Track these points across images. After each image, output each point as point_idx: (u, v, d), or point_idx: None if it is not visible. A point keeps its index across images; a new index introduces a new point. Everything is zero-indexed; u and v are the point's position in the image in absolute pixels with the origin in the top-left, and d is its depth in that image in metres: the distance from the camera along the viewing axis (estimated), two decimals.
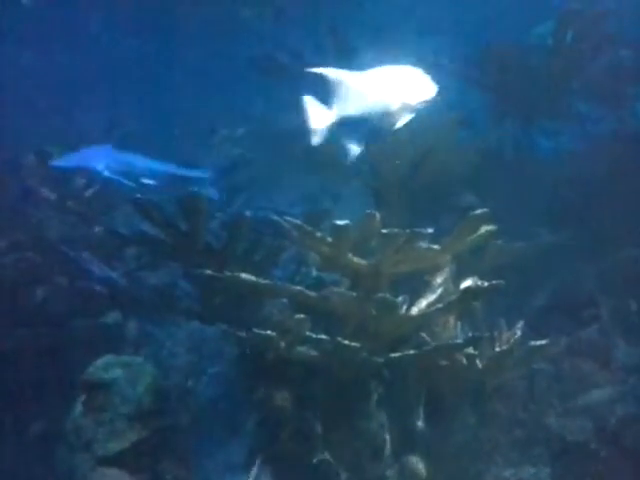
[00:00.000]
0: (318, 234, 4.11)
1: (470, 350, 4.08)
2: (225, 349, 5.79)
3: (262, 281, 4.09)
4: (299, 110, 4.19)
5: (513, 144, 6.17)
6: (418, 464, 4.17)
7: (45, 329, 5.68)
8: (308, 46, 7.49)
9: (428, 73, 3.78)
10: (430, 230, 4.39)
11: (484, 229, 4.47)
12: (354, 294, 3.99)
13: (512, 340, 4.28)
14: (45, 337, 5.65)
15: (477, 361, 4.15)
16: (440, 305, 4.11)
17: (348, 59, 7.06)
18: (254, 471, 4.34)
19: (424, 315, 4.11)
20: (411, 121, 4.38)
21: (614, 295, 5.94)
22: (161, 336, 6.35)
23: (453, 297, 4.11)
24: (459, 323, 4.41)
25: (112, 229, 5.60)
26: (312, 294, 4.01)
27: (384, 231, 4.11)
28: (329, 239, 4.08)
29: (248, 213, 4.64)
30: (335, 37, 7.06)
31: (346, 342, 3.79)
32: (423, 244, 4.19)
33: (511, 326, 4.46)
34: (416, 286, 4.31)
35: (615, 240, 6.01)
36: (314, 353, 4.00)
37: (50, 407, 5.27)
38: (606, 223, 5.93)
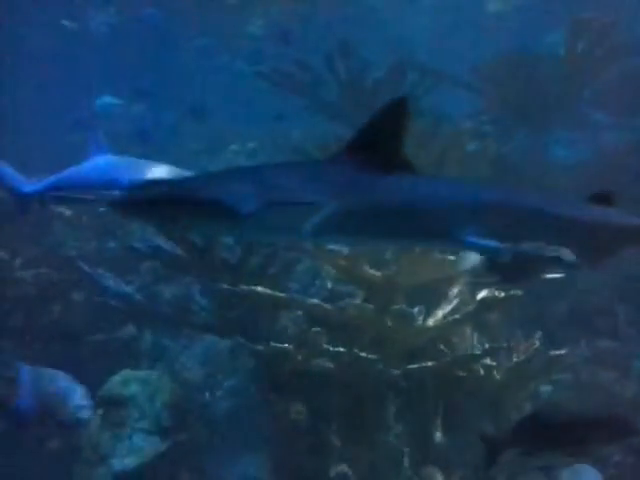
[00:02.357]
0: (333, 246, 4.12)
1: (488, 361, 4.05)
2: (240, 362, 5.80)
3: (278, 294, 4.10)
4: None
5: (527, 154, 6.16)
6: (436, 476, 4.14)
7: (62, 344, 5.71)
8: (317, 59, 7.54)
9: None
10: None
11: None
12: (370, 306, 3.98)
13: (530, 350, 4.25)
14: (62, 352, 5.68)
15: (495, 372, 4.13)
16: (457, 316, 4.10)
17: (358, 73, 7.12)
18: None
19: (441, 326, 4.09)
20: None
21: (632, 303, 5.89)
22: (176, 350, 6.36)
23: (469, 308, 4.10)
24: (476, 334, 4.39)
25: (128, 244, 5.63)
26: (328, 306, 4.01)
27: None
28: (344, 252, 4.09)
29: None
30: (345, 51, 7.11)
31: (363, 354, 3.79)
32: (438, 255, 4.19)
33: (529, 336, 4.43)
34: (432, 297, 4.30)
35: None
36: (331, 365, 3.99)
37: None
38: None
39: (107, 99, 14.00)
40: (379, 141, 2.53)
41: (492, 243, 2.60)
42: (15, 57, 16.68)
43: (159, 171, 4.65)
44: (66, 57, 17.03)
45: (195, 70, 17.72)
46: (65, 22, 15.64)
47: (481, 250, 2.69)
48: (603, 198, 2.81)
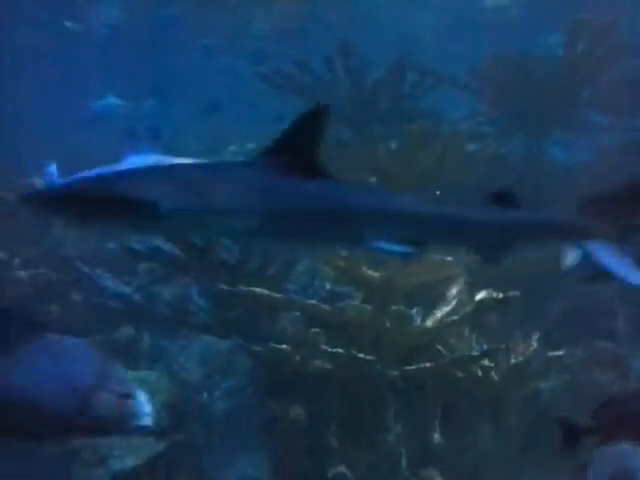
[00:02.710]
0: None
1: (486, 362, 4.05)
2: (239, 363, 5.79)
3: (276, 295, 4.10)
4: None
5: (525, 155, 6.17)
6: (435, 477, 4.14)
7: None
8: (316, 60, 7.54)
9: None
10: None
11: None
12: (369, 307, 3.99)
13: (528, 351, 4.25)
14: None
15: (493, 373, 4.13)
16: (455, 317, 4.10)
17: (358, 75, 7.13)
18: None
19: (439, 327, 4.10)
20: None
21: (631, 304, 5.89)
22: (175, 350, 6.35)
23: (468, 309, 4.11)
24: (474, 335, 4.39)
25: (126, 245, 5.63)
26: (326, 307, 4.01)
27: None
28: (343, 252, 4.10)
29: None
30: (345, 52, 7.11)
31: (361, 355, 3.79)
32: (436, 256, 4.20)
33: (527, 337, 4.43)
34: (430, 298, 4.30)
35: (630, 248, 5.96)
36: (329, 366, 3.99)
37: None
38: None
39: (111, 99, 14.00)
40: (297, 146, 2.61)
41: (402, 248, 2.71)
42: (15, 57, 16.68)
43: None
44: (68, 57, 17.03)
45: (200, 70, 17.74)
46: (68, 23, 15.66)
47: (391, 254, 2.82)
48: (505, 197, 2.91)
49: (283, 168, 2.59)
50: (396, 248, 2.67)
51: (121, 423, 3.07)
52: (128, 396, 3.02)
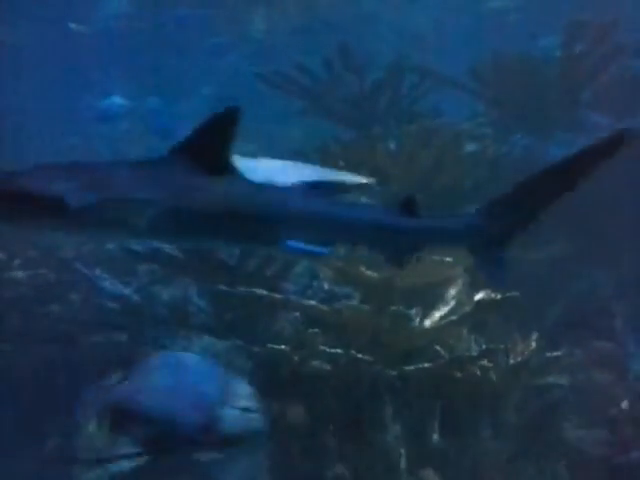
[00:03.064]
0: None
1: (484, 362, 4.05)
2: (238, 364, 5.79)
3: (275, 295, 4.11)
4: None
5: (524, 155, 6.17)
6: (434, 477, 4.14)
7: (59, 346, 5.70)
8: (316, 62, 7.55)
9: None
10: None
11: None
12: (367, 307, 3.99)
13: (527, 352, 4.26)
14: (59, 354, 5.67)
15: (491, 373, 4.13)
16: (453, 317, 4.11)
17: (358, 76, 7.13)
18: None
19: (437, 327, 4.10)
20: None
21: (629, 305, 5.90)
22: (174, 351, 6.35)
23: (466, 309, 4.11)
24: (473, 335, 4.40)
25: (125, 245, 5.63)
26: (325, 308, 4.02)
27: None
28: (341, 253, 4.10)
29: None
30: (344, 54, 7.12)
31: (359, 355, 3.79)
32: (435, 256, 4.20)
33: (526, 338, 4.43)
34: (429, 298, 4.31)
35: (629, 249, 5.98)
36: (328, 367, 3.99)
37: (64, 424, 5.28)
38: (619, 233, 5.90)
39: (115, 99, 13.99)
40: (208, 145, 2.66)
41: (315, 248, 2.78)
42: (16, 57, 16.69)
43: (302, 172, 4.28)
44: (71, 57, 17.02)
45: (205, 69, 17.71)
46: (72, 25, 15.66)
47: (304, 254, 2.87)
48: (409, 204, 3.02)
49: (192, 166, 2.62)
50: (309, 248, 2.72)
51: (245, 437, 3.08)
52: (251, 410, 3.00)
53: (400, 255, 3.10)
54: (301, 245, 2.73)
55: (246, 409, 2.96)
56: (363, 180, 4.08)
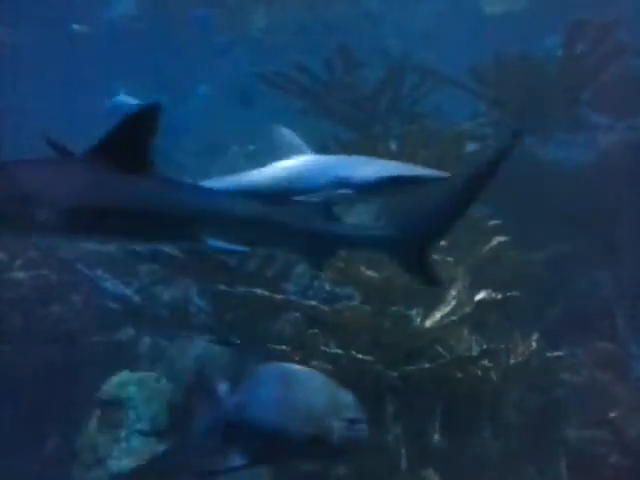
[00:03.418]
0: None
1: (485, 362, 4.05)
2: (239, 364, 5.79)
3: (276, 296, 4.10)
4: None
5: (525, 155, 6.15)
6: (434, 477, 4.13)
7: (60, 346, 5.71)
8: (315, 62, 7.55)
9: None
10: (442, 242, 4.40)
11: (496, 240, 4.48)
12: (367, 308, 3.99)
13: (527, 352, 4.25)
14: (60, 354, 5.68)
15: (492, 373, 4.12)
16: (454, 317, 4.10)
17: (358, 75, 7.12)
18: None
19: (438, 327, 4.10)
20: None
21: (630, 305, 5.89)
22: (174, 352, 6.35)
23: (467, 309, 4.11)
24: (474, 335, 4.39)
25: (126, 246, 5.63)
26: (325, 308, 4.01)
27: None
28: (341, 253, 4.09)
29: None
30: (343, 54, 7.11)
31: (360, 356, 3.79)
32: (435, 256, 4.19)
33: (526, 338, 4.43)
34: (430, 298, 4.30)
35: (630, 248, 5.97)
36: (328, 367, 3.99)
37: (65, 424, 5.29)
38: (620, 232, 5.89)
39: (123, 98, 13.99)
40: (127, 144, 2.63)
41: (234, 247, 2.78)
42: (17, 57, 16.70)
43: (378, 166, 4.17)
44: (73, 58, 17.03)
45: (208, 68, 17.71)
46: (75, 26, 15.67)
47: (223, 252, 2.89)
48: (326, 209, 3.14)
49: (110, 165, 2.59)
50: (228, 246, 2.74)
51: (352, 447, 3.07)
52: (359, 421, 3.03)
53: (320, 258, 3.19)
54: (220, 244, 2.75)
55: (353, 420, 2.96)
56: (439, 174, 4.02)
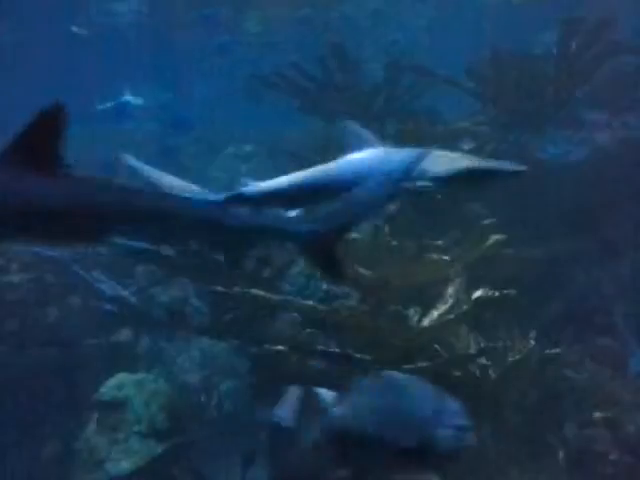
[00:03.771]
0: None
1: (483, 360, 4.05)
2: (237, 364, 5.79)
3: (272, 296, 4.09)
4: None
5: (520, 153, 6.16)
6: (433, 477, 4.13)
7: (58, 348, 5.70)
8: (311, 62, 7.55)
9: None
10: (439, 241, 4.40)
11: (493, 239, 4.47)
12: (365, 307, 3.98)
13: (525, 349, 4.25)
14: (58, 356, 5.67)
15: (490, 371, 4.12)
16: (452, 316, 4.09)
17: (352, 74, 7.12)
18: None
19: (436, 326, 4.09)
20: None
21: (629, 302, 5.89)
22: (173, 353, 6.35)
23: (465, 307, 4.10)
24: (471, 334, 4.39)
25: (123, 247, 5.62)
26: (323, 308, 4.00)
27: (393, 243, 4.12)
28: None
29: None
30: (339, 53, 7.11)
31: (357, 355, 3.78)
32: (433, 255, 4.19)
33: (525, 335, 4.43)
34: (427, 297, 4.30)
35: (627, 245, 5.97)
36: (325, 367, 3.99)
37: (64, 426, 5.28)
38: (616, 228, 5.90)
39: (129, 99, 13.98)
40: (36, 144, 2.64)
41: (139, 244, 2.81)
42: (18, 57, 16.71)
43: (453, 160, 4.05)
44: (75, 58, 17.02)
45: (211, 67, 17.74)
46: (74, 28, 15.67)
47: (129, 250, 2.89)
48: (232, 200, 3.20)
49: (21, 165, 2.60)
50: (133, 244, 2.74)
51: (458, 455, 3.08)
52: (465, 428, 3.04)
53: (235, 252, 3.24)
54: (125, 241, 2.74)
55: (459, 427, 2.98)
56: (515, 168, 3.96)
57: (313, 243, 3.21)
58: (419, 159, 4.00)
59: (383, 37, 14.78)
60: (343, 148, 4.27)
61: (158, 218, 2.94)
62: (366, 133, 4.30)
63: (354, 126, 4.34)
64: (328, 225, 3.19)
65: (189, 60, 17.61)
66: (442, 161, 4.00)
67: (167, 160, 11.78)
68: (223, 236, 3.19)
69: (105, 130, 13.61)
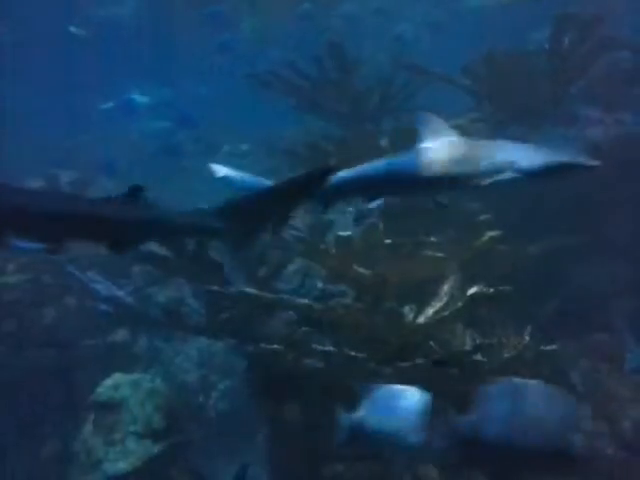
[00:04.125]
0: (322, 246, 4.13)
1: (478, 357, 4.05)
2: (234, 364, 5.79)
3: (268, 295, 4.10)
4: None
5: None
6: (432, 474, 4.14)
7: (54, 349, 5.70)
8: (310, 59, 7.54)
9: None
10: (434, 239, 4.41)
11: (488, 235, 4.48)
12: (360, 305, 3.98)
13: (520, 345, 4.25)
14: (55, 357, 5.67)
15: (486, 368, 4.12)
16: (447, 313, 4.10)
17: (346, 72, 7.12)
18: None
19: (431, 323, 4.10)
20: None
21: (626, 298, 5.90)
22: (170, 353, 6.36)
23: (460, 304, 4.10)
24: (467, 330, 4.39)
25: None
26: (318, 306, 4.01)
27: (388, 241, 4.13)
28: (333, 251, 4.10)
29: None
30: (334, 50, 7.10)
31: (353, 353, 3.78)
32: (428, 252, 4.20)
33: (520, 332, 4.43)
34: (422, 294, 4.30)
35: (622, 241, 5.98)
36: (321, 365, 3.99)
37: (61, 427, 5.28)
38: (612, 224, 5.90)
39: (135, 96, 13.98)
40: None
41: (36, 246, 2.83)
42: (18, 56, 16.69)
43: (529, 152, 3.97)
44: (76, 57, 16.99)
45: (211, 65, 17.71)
46: (72, 29, 15.66)
47: (24, 251, 2.90)
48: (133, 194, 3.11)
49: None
50: (30, 246, 2.73)
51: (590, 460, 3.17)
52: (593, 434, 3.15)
53: (128, 244, 3.18)
54: (23, 243, 2.73)
55: (590, 432, 2.97)
56: (591, 162, 3.85)
57: (231, 238, 3.27)
58: (511, 150, 3.95)
59: (387, 32, 14.82)
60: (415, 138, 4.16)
61: (55, 218, 2.91)
62: (440, 123, 4.25)
63: (428, 116, 4.25)
64: (244, 221, 3.22)
65: (189, 58, 17.60)
66: (535, 152, 3.95)
67: (171, 158, 11.83)
68: (125, 232, 3.16)
69: (108, 130, 13.65)
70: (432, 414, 3.20)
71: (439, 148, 4.12)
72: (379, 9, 15.73)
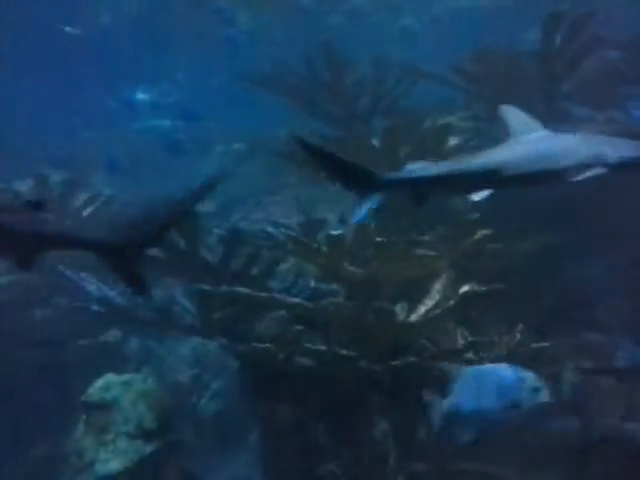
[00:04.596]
0: (314, 245, 4.13)
1: (470, 355, 4.06)
2: (226, 363, 5.78)
3: (259, 294, 4.09)
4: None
5: None
6: (422, 471, 4.14)
7: (45, 350, 5.68)
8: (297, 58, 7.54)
9: None
10: (426, 237, 4.42)
11: (480, 233, 4.49)
12: (352, 304, 3.99)
13: (511, 344, 4.27)
14: (45, 358, 5.65)
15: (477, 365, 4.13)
16: (439, 311, 4.11)
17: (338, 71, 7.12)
18: None
19: (423, 322, 4.10)
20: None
21: (617, 295, 5.92)
22: (163, 352, 6.34)
23: (452, 303, 4.11)
24: (459, 328, 4.40)
25: None
26: (310, 305, 4.01)
27: (379, 239, 4.13)
28: (325, 250, 4.10)
29: (244, 226, 4.64)
30: (326, 49, 7.09)
31: (344, 352, 3.79)
32: (419, 251, 4.21)
33: (512, 330, 4.44)
34: (414, 293, 4.31)
35: (614, 238, 6.00)
36: (313, 364, 3.99)
37: (52, 428, 5.26)
38: (603, 222, 5.92)
39: (139, 94, 13.94)
40: None
41: None
42: (19, 56, 16.64)
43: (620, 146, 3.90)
44: (77, 57, 16.93)
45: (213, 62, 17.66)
46: (68, 28, 15.62)
47: None
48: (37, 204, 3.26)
49: None
50: None
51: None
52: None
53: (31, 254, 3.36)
54: None
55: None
56: None
57: (114, 254, 3.34)
58: (599, 144, 3.90)
59: (392, 28, 14.86)
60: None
61: None
62: (527, 117, 4.19)
63: (514, 110, 4.22)
64: (131, 237, 3.33)
65: (190, 57, 17.57)
66: (622, 146, 3.91)
67: (175, 155, 11.82)
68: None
69: (109, 127, 13.62)
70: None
71: (531, 142, 4.07)
72: (390, 5, 15.70)
